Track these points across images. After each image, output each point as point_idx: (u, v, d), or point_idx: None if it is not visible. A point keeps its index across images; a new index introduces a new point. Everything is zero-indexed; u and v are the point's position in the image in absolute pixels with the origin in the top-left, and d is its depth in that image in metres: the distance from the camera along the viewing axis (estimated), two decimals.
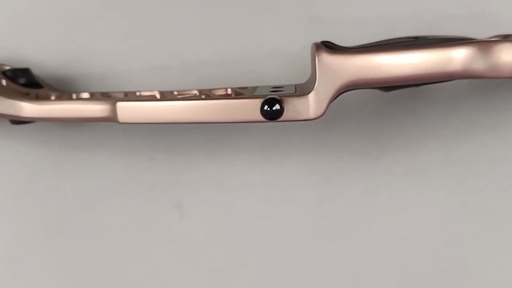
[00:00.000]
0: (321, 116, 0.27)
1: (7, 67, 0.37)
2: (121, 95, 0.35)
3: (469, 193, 0.37)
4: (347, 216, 0.38)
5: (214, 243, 0.40)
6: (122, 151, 0.40)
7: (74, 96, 0.36)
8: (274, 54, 0.37)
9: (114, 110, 0.30)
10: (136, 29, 0.38)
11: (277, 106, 0.26)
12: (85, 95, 0.36)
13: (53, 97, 0.36)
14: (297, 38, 0.37)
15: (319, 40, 0.35)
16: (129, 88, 0.38)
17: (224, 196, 0.39)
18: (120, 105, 0.30)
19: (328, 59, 0.26)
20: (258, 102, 0.27)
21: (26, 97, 0.34)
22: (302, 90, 0.29)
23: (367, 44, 0.29)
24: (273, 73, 0.37)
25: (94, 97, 0.34)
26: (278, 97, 0.26)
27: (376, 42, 0.29)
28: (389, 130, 0.37)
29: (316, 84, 0.27)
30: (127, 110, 0.30)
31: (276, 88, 0.31)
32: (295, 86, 0.32)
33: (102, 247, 0.41)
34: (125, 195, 0.40)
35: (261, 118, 0.27)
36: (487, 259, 0.37)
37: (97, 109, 0.31)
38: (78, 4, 0.38)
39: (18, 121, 0.36)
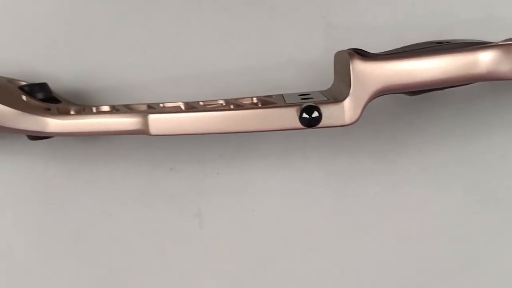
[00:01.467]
0: (356, 121, 0.28)
1: (23, 83, 0.36)
2: (144, 107, 0.35)
3: (483, 191, 0.38)
4: (366, 217, 0.39)
5: (234, 250, 0.40)
6: (141, 162, 0.40)
7: (94, 109, 0.36)
8: (292, 61, 0.38)
9: (145, 122, 0.30)
10: (152, 39, 0.38)
11: (315, 113, 0.27)
12: (106, 108, 0.36)
13: (72, 111, 0.35)
14: (314, 45, 0.38)
15: (335, 47, 0.37)
16: (147, 99, 0.38)
17: (243, 203, 0.40)
18: (152, 117, 0.30)
19: (361, 66, 0.27)
20: (294, 110, 0.28)
21: (49, 112, 0.34)
22: (335, 96, 0.29)
23: (394, 50, 0.30)
24: (290, 80, 0.38)
25: (120, 110, 0.34)
26: (315, 105, 0.27)
27: (401, 48, 0.30)
28: (404, 132, 0.38)
29: (351, 91, 0.27)
30: (159, 122, 0.30)
31: (304, 95, 0.32)
32: (322, 92, 0.33)
33: (122, 257, 0.41)
34: (145, 206, 0.40)
35: (299, 125, 0.27)
36: (501, 254, 0.39)
37: (127, 122, 0.31)
38: (91, 16, 0.38)
39: (37, 136, 0.36)
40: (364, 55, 0.28)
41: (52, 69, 0.39)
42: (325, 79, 0.37)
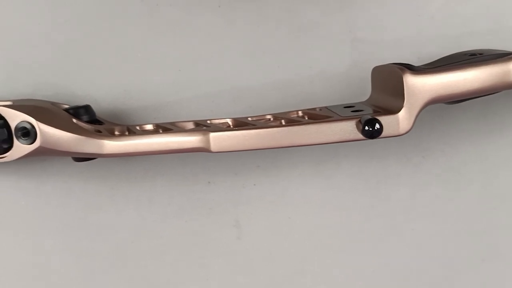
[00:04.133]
0: (409, 131, 0.30)
1: (65, 105, 0.37)
2: (191, 125, 0.36)
3: (501, 187, 0.42)
4: (396, 218, 0.42)
5: (272, 258, 0.42)
6: (179, 178, 0.41)
7: (138, 128, 0.37)
8: (320, 75, 0.40)
9: (207, 140, 0.32)
10: (187, 57, 0.40)
11: (377, 126, 0.29)
12: (149, 126, 0.37)
13: (117, 132, 0.36)
14: (341, 59, 0.40)
15: (361, 60, 0.39)
16: (184, 117, 0.39)
17: (280, 212, 0.41)
18: (214, 135, 0.31)
19: (413, 79, 0.30)
20: (353, 123, 0.30)
21: (101, 134, 0.34)
22: (384, 108, 0.32)
23: (433, 63, 0.33)
24: (320, 93, 0.40)
25: (170, 128, 0.35)
26: (376, 117, 0.29)
27: (439, 61, 0.33)
28: (427, 137, 0.41)
29: (404, 102, 0.30)
30: (221, 139, 0.31)
31: (349, 107, 0.34)
32: (364, 104, 0.35)
33: (163, 272, 0.41)
34: (184, 220, 0.41)
35: (359, 137, 0.30)
36: None
37: (188, 140, 0.32)
38: (126, 37, 0.39)
39: (82, 158, 0.36)
40: (412, 69, 0.30)
41: (88, 90, 0.39)
42: (353, 91, 0.40)
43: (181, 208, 0.41)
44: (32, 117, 0.32)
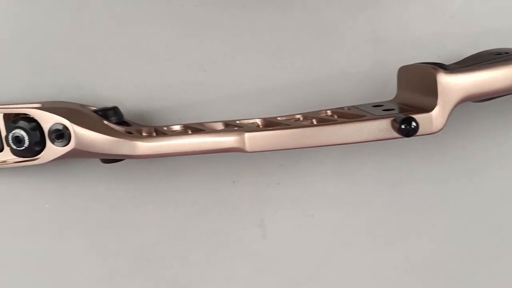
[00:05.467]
0: (442, 129, 0.31)
1: (93, 107, 0.37)
2: (220, 125, 0.36)
3: None
4: (417, 214, 0.42)
5: (296, 256, 0.42)
6: (204, 178, 0.41)
7: (165, 129, 0.37)
8: (343, 74, 0.41)
9: (242, 140, 0.32)
10: (211, 58, 0.40)
11: (413, 124, 0.29)
12: (176, 127, 0.37)
13: (144, 133, 0.36)
14: (363, 58, 0.41)
15: (383, 60, 0.40)
16: (208, 117, 0.40)
17: (303, 210, 0.42)
18: (249, 135, 0.32)
19: (446, 78, 0.30)
20: (389, 121, 0.30)
21: (133, 135, 0.34)
22: (414, 106, 0.32)
23: (462, 62, 0.33)
24: (343, 93, 0.41)
25: (198, 128, 0.35)
26: (412, 116, 0.29)
27: (467, 60, 0.34)
28: (448, 134, 0.42)
29: (438, 101, 0.30)
30: (256, 139, 0.32)
31: (379, 106, 0.34)
32: (392, 102, 0.35)
33: (188, 272, 0.42)
34: (209, 220, 0.41)
35: (394, 135, 0.30)
36: None
37: (222, 141, 0.32)
38: (150, 38, 0.39)
39: (110, 159, 0.36)
40: (445, 68, 0.31)
41: (113, 92, 0.39)
42: (375, 91, 0.40)
43: (205, 208, 0.41)
44: (66, 119, 0.32)
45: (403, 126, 0.29)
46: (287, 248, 0.42)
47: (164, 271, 0.41)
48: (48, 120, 0.32)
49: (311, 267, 0.42)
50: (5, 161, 0.35)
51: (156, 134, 0.36)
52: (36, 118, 0.32)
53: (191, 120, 0.39)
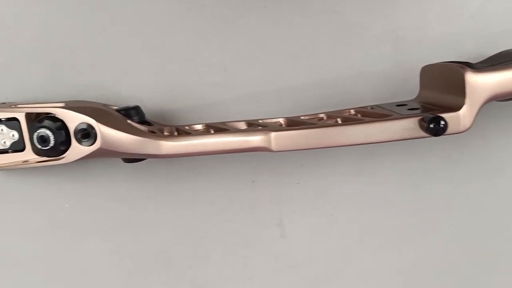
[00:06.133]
0: (469, 128, 0.31)
1: (114, 107, 0.37)
2: (243, 125, 0.36)
3: None
4: (436, 213, 0.42)
5: (315, 255, 0.42)
6: (222, 177, 0.41)
7: (187, 128, 0.37)
8: (364, 74, 0.41)
9: (268, 139, 0.32)
10: (232, 58, 0.40)
11: (442, 123, 0.29)
12: (198, 127, 0.37)
13: (166, 133, 0.36)
14: (384, 58, 0.41)
15: (404, 59, 0.40)
16: (229, 116, 0.40)
17: (322, 209, 0.42)
18: (275, 134, 0.32)
19: (474, 78, 0.30)
20: (416, 121, 0.30)
21: (157, 135, 0.34)
22: (441, 105, 0.32)
23: (488, 61, 0.34)
24: (363, 92, 0.41)
25: (223, 129, 0.35)
26: (441, 115, 0.29)
27: (492, 59, 0.34)
28: (467, 133, 0.42)
29: (466, 100, 0.30)
30: (282, 139, 0.32)
31: (402, 105, 0.34)
32: (415, 101, 0.35)
33: (206, 272, 0.42)
34: (228, 219, 0.41)
35: (422, 134, 0.30)
36: None
37: (248, 140, 0.32)
38: (171, 38, 0.39)
39: (132, 159, 0.36)
40: (472, 67, 0.31)
41: (134, 91, 0.39)
42: (395, 90, 0.40)
43: (224, 208, 0.41)
44: (92, 118, 0.32)
45: (431, 125, 0.29)
46: (305, 248, 0.42)
47: (182, 271, 0.41)
48: (74, 120, 0.32)
49: (330, 267, 0.42)
50: (27, 161, 0.35)
51: (178, 134, 0.36)
52: (61, 117, 0.32)
53: (211, 119, 0.39)
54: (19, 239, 0.40)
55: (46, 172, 0.39)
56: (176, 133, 0.36)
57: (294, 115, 0.36)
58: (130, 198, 0.40)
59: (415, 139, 0.40)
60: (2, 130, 0.35)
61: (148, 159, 0.37)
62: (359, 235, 0.42)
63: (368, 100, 0.40)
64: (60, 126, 0.32)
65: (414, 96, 0.39)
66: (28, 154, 0.34)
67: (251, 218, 0.41)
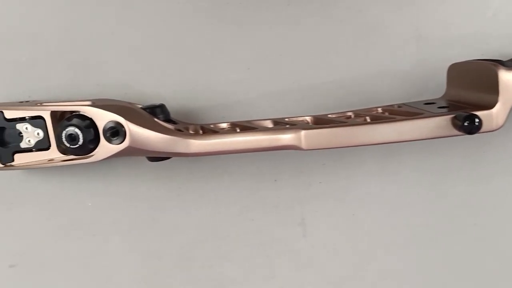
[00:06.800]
0: (501, 126, 0.31)
1: (139, 105, 0.36)
2: (269, 123, 0.36)
3: None
4: (458, 213, 0.42)
5: (336, 255, 0.42)
6: (245, 176, 0.41)
7: (212, 126, 0.36)
8: (386, 73, 0.40)
9: (298, 138, 0.32)
10: (255, 56, 0.39)
11: (477, 121, 0.29)
12: (223, 125, 0.37)
13: (191, 131, 0.36)
14: (407, 56, 0.40)
15: (427, 58, 0.40)
16: (252, 115, 0.39)
17: (344, 209, 0.42)
18: (305, 133, 0.31)
19: (507, 75, 0.30)
20: (449, 119, 0.30)
21: (185, 133, 0.34)
22: (474, 104, 0.32)
23: None
24: (385, 91, 0.40)
25: (250, 127, 0.34)
26: (475, 113, 0.29)
27: None
28: (488, 133, 0.42)
29: (499, 98, 0.30)
30: (313, 137, 0.31)
31: (431, 104, 0.34)
32: (443, 100, 0.35)
33: (229, 271, 0.41)
34: (250, 218, 0.41)
35: (455, 132, 0.30)
36: None
37: (279, 138, 0.32)
38: (194, 37, 0.39)
39: (157, 158, 0.36)
40: (505, 64, 0.31)
41: (157, 90, 0.39)
42: (418, 88, 0.40)
43: (247, 207, 0.41)
44: (121, 116, 0.32)
45: (466, 123, 0.29)
46: (327, 247, 0.42)
47: (205, 271, 0.41)
48: (103, 118, 0.32)
49: (351, 267, 0.42)
50: (52, 160, 0.34)
51: (203, 132, 0.36)
52: (90, 115, 0.32)
53: (234, 118, 0.39)
54: (41, 239, 0.39)
55: (68, 171, 0.39)
56: (201, 132, 0.36)
57: (320, 114, 0.36)
58: (152, 197, 0.40)
59: (435, 139, 0.40)
60: (26, 128, 0.34)
61: (172, 158, 0.37)
62: (381, 234, 0.42)
63: (390, 99, 0.40)
64: (89, 124, 0.32)
65: (437, 95, 0.39)
66: (53, 153, 0.34)
67: (273, 217, 0.41)
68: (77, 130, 0.31)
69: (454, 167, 0.42)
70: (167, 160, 0.37)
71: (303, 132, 0.31)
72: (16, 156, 0.34)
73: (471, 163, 0.42)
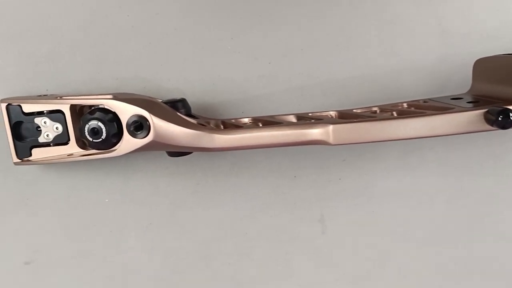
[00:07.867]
0: None
1: (159, 100, 0.36)
2: (292, 118, 0.35)
3: None
4: (480, 209, 0.42)
5: (356, 252, 0.41)
6: (265, 172, 0.40)
7: (233, 121, 0.36)
8: (409, 68, 0.40)
9: (326, 132, 0.31)
10: (277, 51, 0.39)
11: (511, 115, 0.29)
12: (245, 120, 0.36)
13: (212, 126, 0.35)
14: (430, 51, 0.40)
15: (450, 53, 0.39)
16: (273, 110, 0.39)
17: (364, 206, 0.41)
18: (334, 127, 0.31)
19: None
20: (479, 114, 0.30)
21: (208, 128, 0.33)
22: (503, 98, 0.31)
23: None
24: (408, 86, 0.40)
25: (273, 122, 0.34)
26: (508, 107, 0.29)
27: None
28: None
29: None
30: (341, 132, 0.31)
31: (458, 99, 0.34)
32: (468, 95, 0.35)
33: (249, 268, 0.41)
34: (270, 214, 0.40)
35: (487, 127, 0.29)
36: None
37: (307, 133, 0.31)
38: (215, 31, 0.38)
39: (178, 153, 0.35)
40: None
41: (177, 84, 0.38)
42: (440, 84, 0.40)
43: (266, 203, 0.40)
44: (146, 110, 0.31)
45: (500, 118, 0.28)
46: (347, 244, 0.41)
47: (224, 267, 0.40)
48: (126, 111, 0.31)
49: (371, 264, 0.41)
50: (71, 154, 0.33)
51: (224, 127, 0.35)
52: (113, 109, 0.31)
53: (254, 113, 0.39)
54: (57, 235, 0.39)
55: (86, 166, 0.38)
56: (222, 127, 0.35)
57: (345, 108, 0.35)
58: (172, 193, 0.39)
59: (456, 135, 0.40)
60: (45, 122, 0.33)
61: (191, 154, 0.36)
62: (401, 231, 0.41)
63: (413, 94, 0.39)
64: (112, 118, 0.31)
65: (460, 90, 0.38)
66: (72, 147, 0.33)
67: (293, 214, 0.40)
68: (100, 124, 0.31)
69: (476, 162, 0.41)
70: (187, 156, 0.36)
71: (331, 127, 0.31)
72: (34, 150, 0.34)
73: (493, 158, 0.41)
